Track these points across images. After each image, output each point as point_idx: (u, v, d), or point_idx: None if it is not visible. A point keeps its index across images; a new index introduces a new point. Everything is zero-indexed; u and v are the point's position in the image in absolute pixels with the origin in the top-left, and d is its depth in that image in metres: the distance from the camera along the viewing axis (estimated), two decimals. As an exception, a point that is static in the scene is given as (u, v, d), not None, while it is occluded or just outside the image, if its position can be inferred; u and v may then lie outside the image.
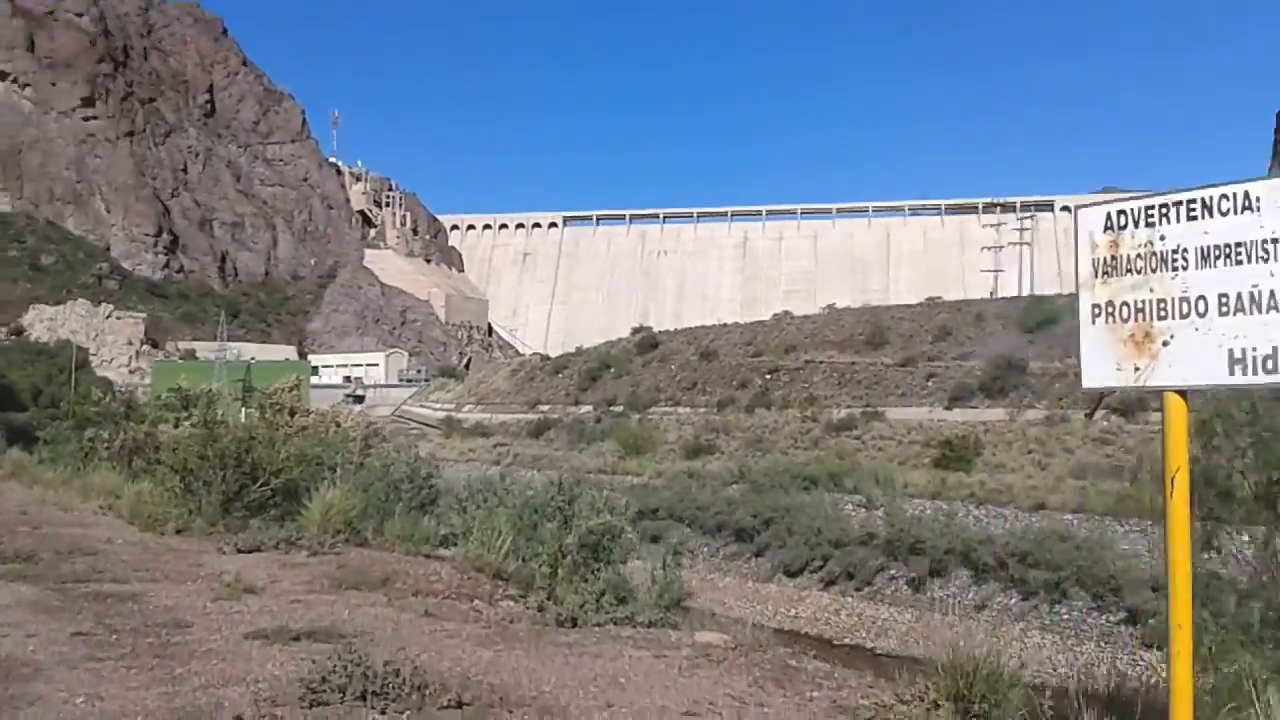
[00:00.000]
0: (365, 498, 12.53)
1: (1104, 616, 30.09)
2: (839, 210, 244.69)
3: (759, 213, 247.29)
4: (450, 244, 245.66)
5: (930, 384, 63.48)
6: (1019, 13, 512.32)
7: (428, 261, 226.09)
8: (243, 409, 18.46)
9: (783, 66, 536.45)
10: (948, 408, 59.17)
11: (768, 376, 71.66)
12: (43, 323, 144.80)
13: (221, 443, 13.03)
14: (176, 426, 17.13)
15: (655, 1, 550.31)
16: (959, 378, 61.62)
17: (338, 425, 16.08)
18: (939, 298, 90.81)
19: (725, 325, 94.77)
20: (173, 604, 8.21)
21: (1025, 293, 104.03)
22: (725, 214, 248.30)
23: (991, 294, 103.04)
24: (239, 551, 10.90)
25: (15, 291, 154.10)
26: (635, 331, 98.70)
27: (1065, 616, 30.82)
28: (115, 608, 8.00)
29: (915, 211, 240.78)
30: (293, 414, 16.45)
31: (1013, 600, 31.97)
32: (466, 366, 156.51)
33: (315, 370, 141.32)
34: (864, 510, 38.48)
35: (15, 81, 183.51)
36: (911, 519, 35.76)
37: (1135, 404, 53.50)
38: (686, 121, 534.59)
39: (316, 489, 12.76)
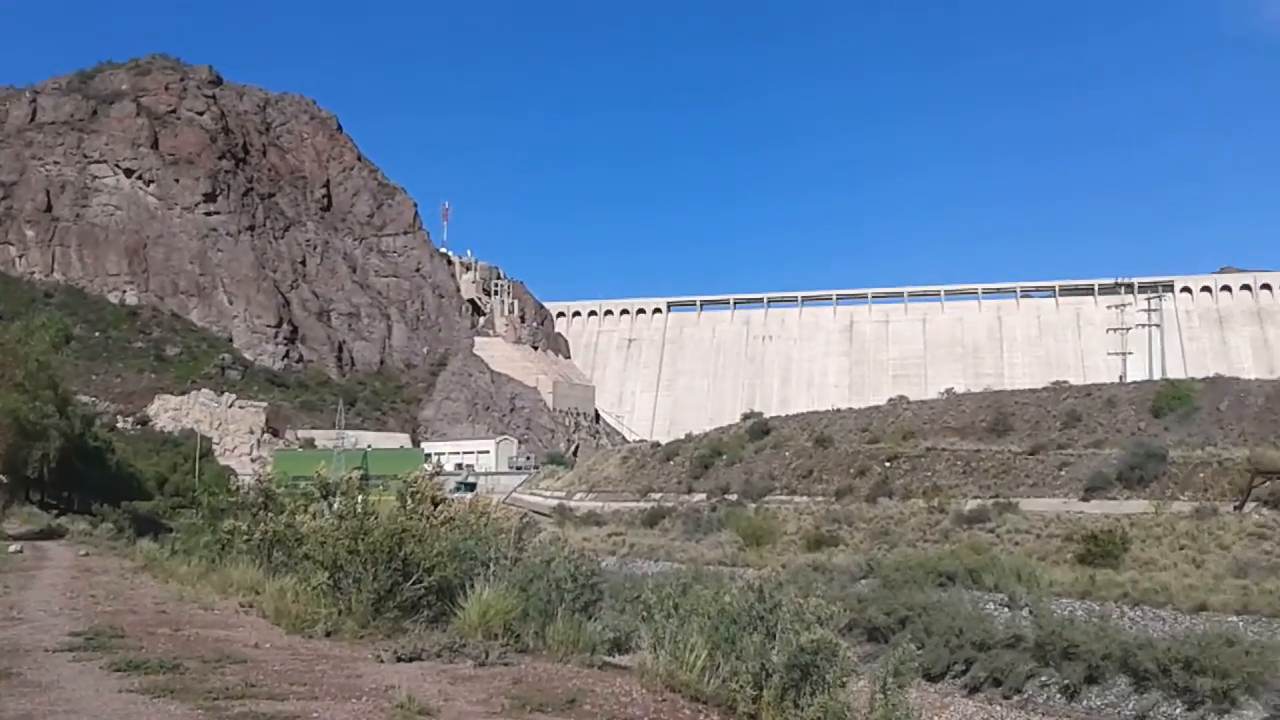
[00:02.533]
0: (524, 598, 11.52)
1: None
2: (947, 292, 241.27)
3: (864, 295, 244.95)
4: (557, 331, 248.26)
5: (1063, 473, 60.66)
6: (1115, 89, 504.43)
7: (535, 348, 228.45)
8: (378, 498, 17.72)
9: (887, 145, 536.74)
10: (1084, 498, 56.33)
11: (887, 464, 69.46)
12: (167, 412, 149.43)
13: (373, 536, 12.18)
14: (314, 518, 16.40)
15: (755, 88, 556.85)
16: (1095, 467, 58.70)
17: (486, 516, 15.17)
18: (1064, 382, 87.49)
19: (839, 411, 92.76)
20: (343, 729, 7.26)
21: (1156, 376, 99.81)
22: (830, 297, 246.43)
23: (1120, 378, 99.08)
24: (399, 660, 9.94)
25: (141, 382, 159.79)
26: (746, 417, 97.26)
27: (1237, 728, 28.25)
28: (279, 734, 7.08)
29: (1027, 293, 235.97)
30: (435, 504, 15.59)
31: (1177, 710, 29.41)
32: (574, 454, 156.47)
33: (428, 457, 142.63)
34: (1007, 610, 36.23)
35: (140, 178, 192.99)
36: (1061, 620, 33.43)
37: (1290, 495, 50.28)
38: (789, 205, 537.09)
39: (471, 587, 11.83)
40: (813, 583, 41.48)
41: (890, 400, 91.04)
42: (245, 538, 17.56)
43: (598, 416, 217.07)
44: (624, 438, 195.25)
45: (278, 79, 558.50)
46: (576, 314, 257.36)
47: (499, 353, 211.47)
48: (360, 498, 13.94)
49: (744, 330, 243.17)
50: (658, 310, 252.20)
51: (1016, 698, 32.07)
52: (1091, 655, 30.78)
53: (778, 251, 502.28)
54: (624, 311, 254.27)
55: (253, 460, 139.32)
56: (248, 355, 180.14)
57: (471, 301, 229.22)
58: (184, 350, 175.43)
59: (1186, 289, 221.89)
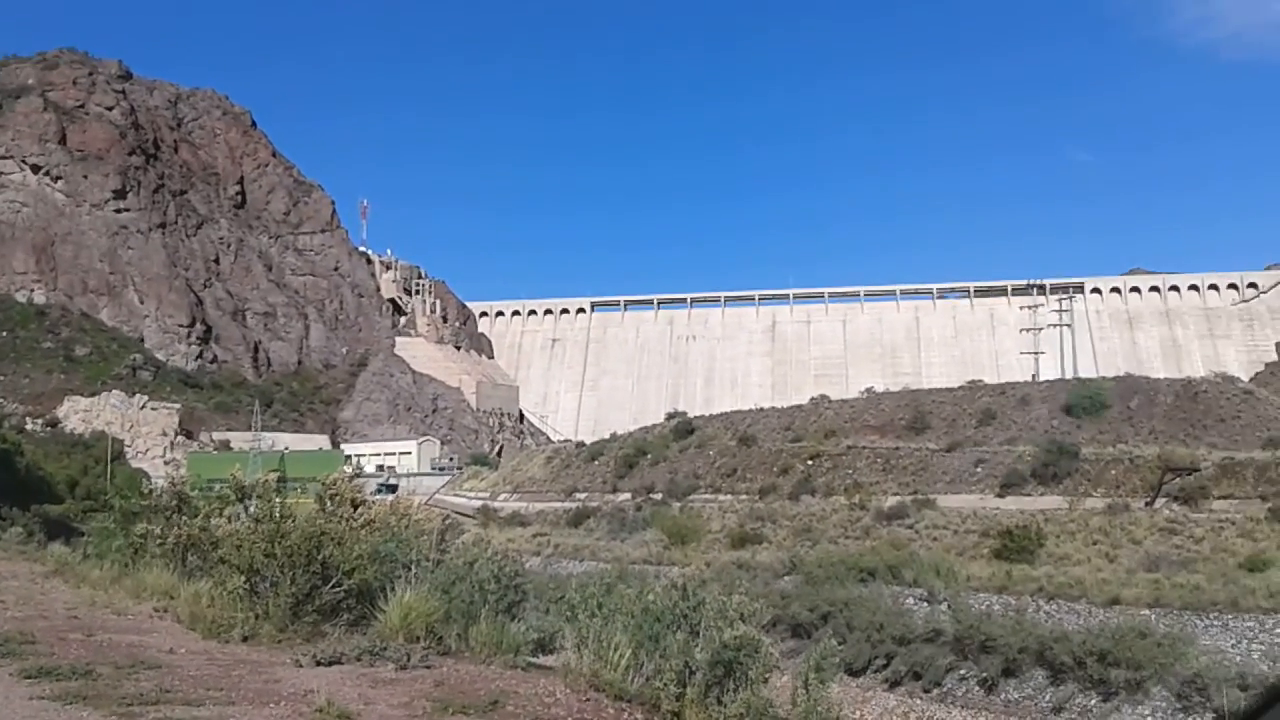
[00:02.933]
0: (447, 600, 11.41)
1: (1190, 718, 28.39)
2: (866, 293, 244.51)
3: (786, 296, 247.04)
4: (480, 330, 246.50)
5: (979, 470, 61.89)
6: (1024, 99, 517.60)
7: (458, 348, 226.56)
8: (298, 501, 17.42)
9: (808, 152, 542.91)
10: (999, 495, 57.54)
11: (809, 462, 70.21)
12: (77, 414, 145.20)
13: (290, 539, 11.96)
14: (230, 521, 16.07)
15: (680, 95, 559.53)
16: (1009, 463, 59.99)
17: (407, 518, 15.00)
18: (980, 381, 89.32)
19: (762, 410, 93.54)
20: (260, 734, 7.12)
21: (1068, 375, 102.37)
22: (752, 298, 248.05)
23: (1033, 376, 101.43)
24: (318, 664, 9.77)
25: (50, 383, 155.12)
26: (670, 417, 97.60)
27: (1149, 718, 29.07)
28: (195, 740, 6.92)
29: (944, 294, 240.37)
30: (355, 506, 15.37)
31: (1092, 701, 30.22)
32: (499, 454, 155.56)
33: (348, 459, 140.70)
34: (926, 604, 36.89)
35: (48, 175, 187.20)
36: (979, 614, 34.12)
37: (1197, 492, 51.91)
38: (713, 208, 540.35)
39: (392, 589, 11.69)
40: (736, 580, 41.72)
41: (812, 399, 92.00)
42: (159, 541, 17.13)
43: (522, 417, 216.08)
44: (549, 438, 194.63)
45: (189, 74, 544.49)
46: (500, 314, 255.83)
47: (421, 353, 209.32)
48: (277, 500, 13.68)
49: (668, 330, 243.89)
50: (581, 310, 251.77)
51: (936, 691, 32.68)
52: (1009, 649, 31.48)
53: (701, 252, 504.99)
54: (548, 311, 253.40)
55: (166, 463, 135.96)
56: (160, 355, 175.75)
57: (392, 301, 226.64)
58: (94, 350, 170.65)
59: (1097, 290, 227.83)
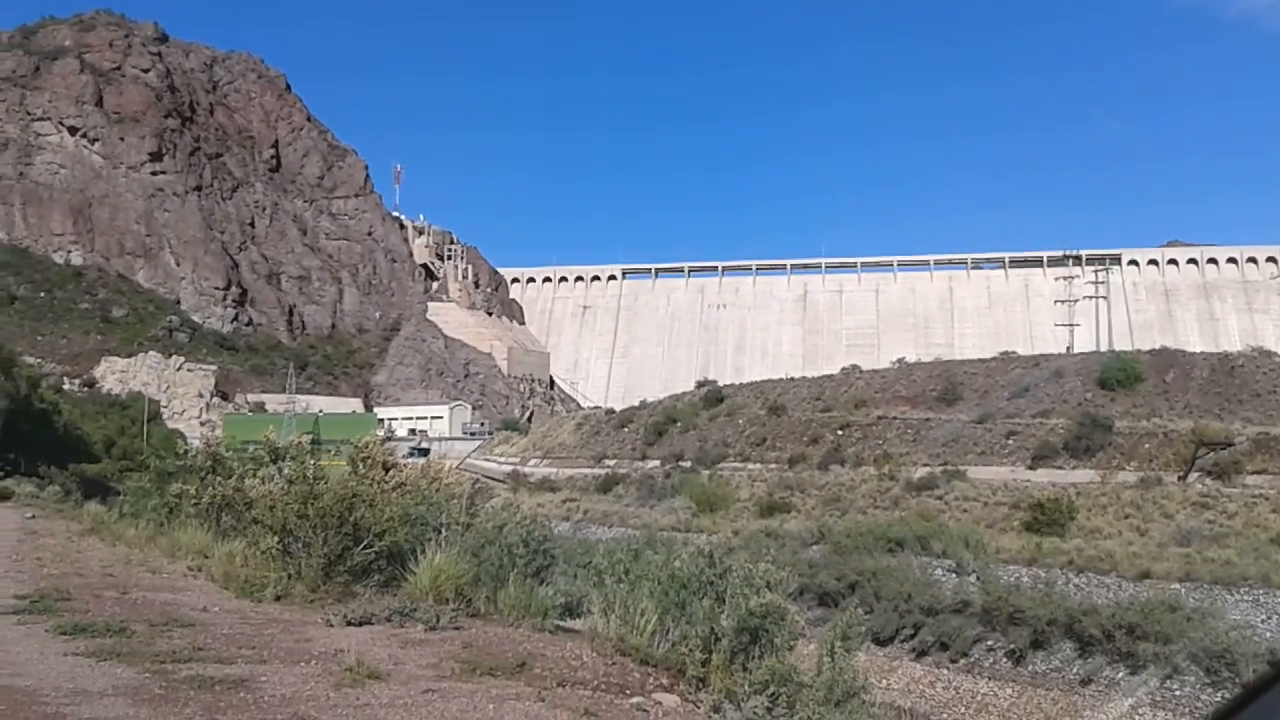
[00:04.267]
0: (476, 563, 11.50)
1: (1219, 692, 28.22)
2: (900, 263, 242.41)
3: (818, 265, 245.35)
4: (511, 297, 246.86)
5: (1011, 442, 61.44)
6: (1062, 69, 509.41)
7: (489, 314, 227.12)
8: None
9: (841, 118, 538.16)
10: (1031, 467, 57.11)
11: (839, 432, 70.00)
12: (114, 375, 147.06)
13: (323, 501, 12.08)
14: (264, 482, 16.23)
15: (711, 59, 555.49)
16: (1042, 436, 59.53)
17: (438, 482, 15.09)
18: (1013, 352, 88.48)
19: (792, 379, 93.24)
20: (291, 693, 7.21)
21: (1103, 347, 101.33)
22: (784, 266, 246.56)
23: (1068, 348, 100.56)
24: (349, 624, 9.89)
25: (87, 344, 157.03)
26: (700, 385, 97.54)
27: (1178, 692, 28.89)
28: (226, 698, 7.01)
29: (978, 264, 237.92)
30: (387, 469, 15.48)
31: (1120, 674, 30.07)
32: (529, 420, 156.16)
33: (381, 422, 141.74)
34: (955, 576, 36.75)
35: (85, 136, 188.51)
36: (1008, 586, 33.99)
37: (1231, 466, 51.33)
38: (744, 175, 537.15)
39: (422, 552, 11.79)
40: (764, 548, 41.85)
41: (843, 369, 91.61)
42: (194, 501, 17.36)
43: (552, 383, 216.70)
44: (579, 404, 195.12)
45: (224, 37, 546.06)
46: (531, 280, 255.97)
47: (453, 318, 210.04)
48: (310, 462, 13.81)
49: (698, 298, 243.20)
50: (613, 277, 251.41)
51: (964, 661, 32.63)
52: (1037, 621, 31.34)
53: (732, 222, 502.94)
54: (579, 278, 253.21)
55: (202, 424, 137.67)
56: (196, 317, 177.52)
57: (424, 266, 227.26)
58: (130, 312, 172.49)
59: (1134, 262, 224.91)
